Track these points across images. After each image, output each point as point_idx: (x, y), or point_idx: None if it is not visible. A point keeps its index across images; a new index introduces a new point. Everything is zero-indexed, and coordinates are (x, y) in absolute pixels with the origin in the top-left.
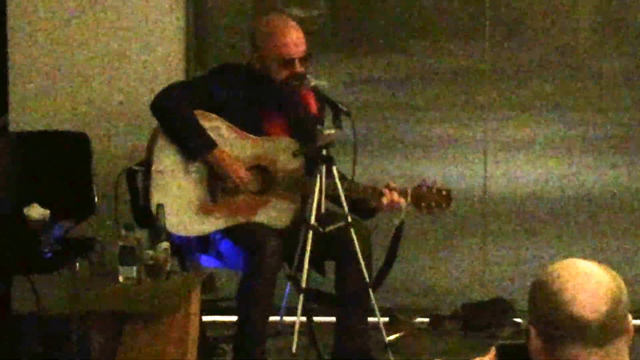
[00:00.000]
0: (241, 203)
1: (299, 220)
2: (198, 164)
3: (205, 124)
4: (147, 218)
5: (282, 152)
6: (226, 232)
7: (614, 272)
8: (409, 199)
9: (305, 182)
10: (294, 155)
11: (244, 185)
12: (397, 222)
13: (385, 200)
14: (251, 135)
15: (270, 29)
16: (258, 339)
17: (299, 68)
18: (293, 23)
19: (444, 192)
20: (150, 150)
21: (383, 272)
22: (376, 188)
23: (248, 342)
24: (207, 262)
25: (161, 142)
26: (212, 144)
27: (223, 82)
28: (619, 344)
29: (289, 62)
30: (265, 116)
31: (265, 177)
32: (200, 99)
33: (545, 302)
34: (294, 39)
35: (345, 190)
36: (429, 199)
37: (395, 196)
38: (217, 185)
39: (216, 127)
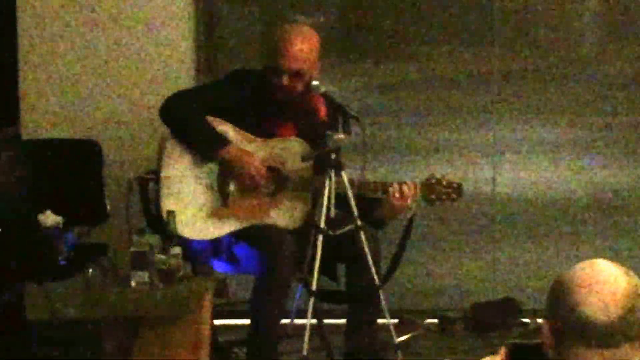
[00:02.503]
0: (253, 205)
1: (310, 221)
2: (207, 169)
3: None
4: (160, 225)
5: (291, 152)
6: (239, 235)
7: (636, 278)
8: (418, 191)
9: (315, 181)
10: (303, 159)
11: (260, 178)
12: (407, 215)
13: (392, 190)
14: (258, 138)
15: (276, 36)
16: (272, 341)
17: (284, 81)
18: (302, 38)
19: (454, 184)
20: (159, 157)
21: (393, 264)
22: (385, 183)
23: (262, 343)
24: (219, 267)
25: (169, 149)
26: (225, 141)
27: (233, 88)
28: (626, 350)
29: (279, 73)
30: (276, 121)
31: (276, 178)
32: (208, 104)
33: (561, 299)
34: (291, 53)
35: (353, 186)
36: (438, 191)
37: (404, 187)
38: (227, 188)
39: (224, 131)
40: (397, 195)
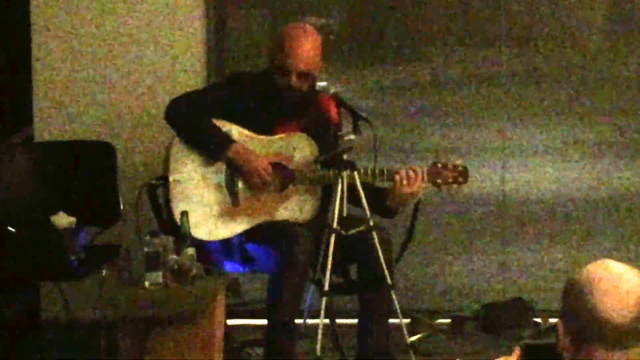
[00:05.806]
0: (263, 202)
1: (322, 220)
2: (215, 169)
3: None
4: (173, 227)
5: (296, 148)
6: (251, 234)
7: None
8: (425, 176)
9: (322, 174)
10: (316, 162)
11: (267, 177)
12: (414, 200)
13: (399, 177)
14: (263, 136)
15: (283, 37)
16: (290, 336)
17: (294, 82)
18: (309, 38)
19: (459, 168)
20: (166, 162)
21: (403, 247)
22: (390, 169)
23: (281, 339)
24: (232, 267)
25: (176, 151)
26: (230, 140)
27: (235, 90)
28: None
29: (286, 73)
30: (280, 120)
31: (283, 174)
32: (212, 106)
33: (576, 301)
34: (300, 53)
35: (360, 175)
36: (445, 175)
37: (411, 173)
38: (237, 187)
39: (227, 130)
40: (404, 181)
